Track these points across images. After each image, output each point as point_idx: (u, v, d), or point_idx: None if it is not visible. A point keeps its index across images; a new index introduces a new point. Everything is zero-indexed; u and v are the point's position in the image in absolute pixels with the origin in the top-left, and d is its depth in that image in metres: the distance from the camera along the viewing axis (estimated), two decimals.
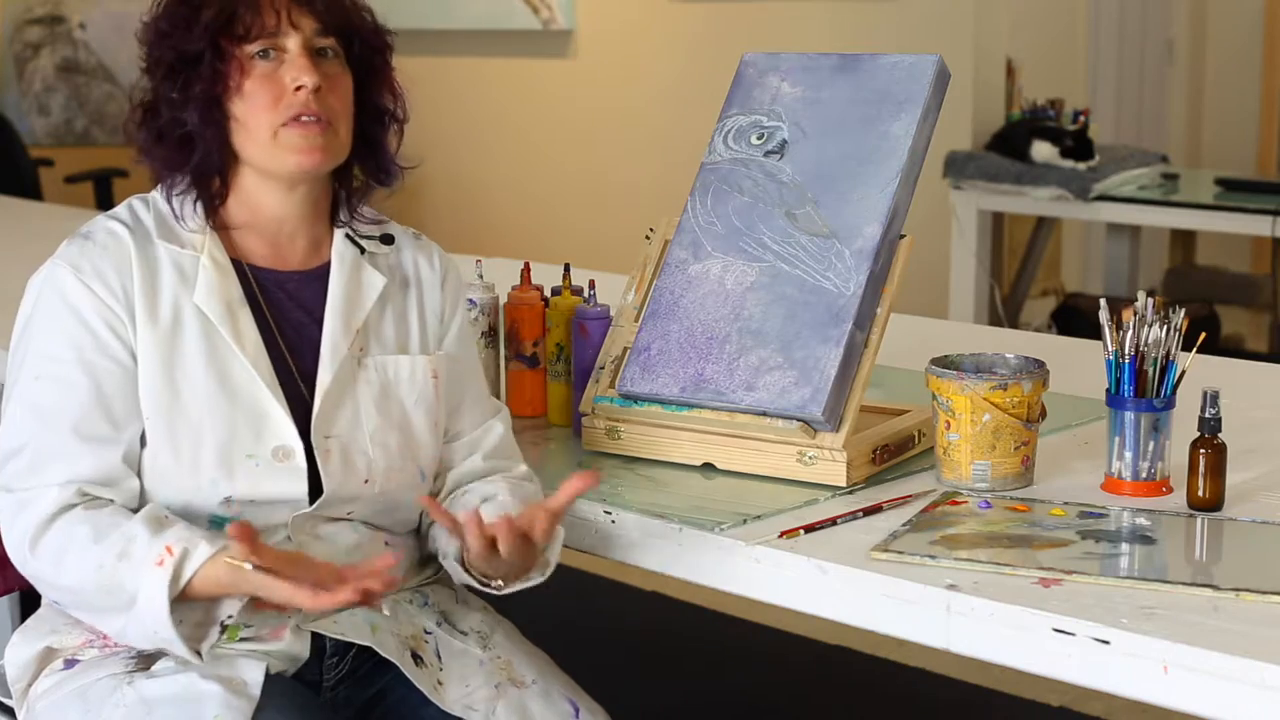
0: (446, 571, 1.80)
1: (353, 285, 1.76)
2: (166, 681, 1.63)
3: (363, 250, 1.79)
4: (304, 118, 1.68)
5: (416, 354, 1.80)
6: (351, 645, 1.73)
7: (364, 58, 1.76)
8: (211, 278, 1.69)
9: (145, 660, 1.67)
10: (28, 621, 1.78)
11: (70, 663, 1.70)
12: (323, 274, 1.77)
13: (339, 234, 1.79)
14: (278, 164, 1.70)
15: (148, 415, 1.64)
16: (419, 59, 6.59)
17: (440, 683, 1.73)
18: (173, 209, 1.73)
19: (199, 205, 1.72)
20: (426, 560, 1.85)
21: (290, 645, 1.69)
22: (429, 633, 1.77)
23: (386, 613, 1.73)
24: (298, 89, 1.67)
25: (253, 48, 1.68)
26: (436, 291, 1.84)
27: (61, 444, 1.63)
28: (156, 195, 1.75)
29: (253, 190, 1.73)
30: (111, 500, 1.64)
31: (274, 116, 1.68)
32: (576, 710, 1.78)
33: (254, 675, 1.64)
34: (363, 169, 1.80)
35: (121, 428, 1.64)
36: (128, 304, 1.66)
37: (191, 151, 1.69)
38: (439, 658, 1.75)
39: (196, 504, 1.65)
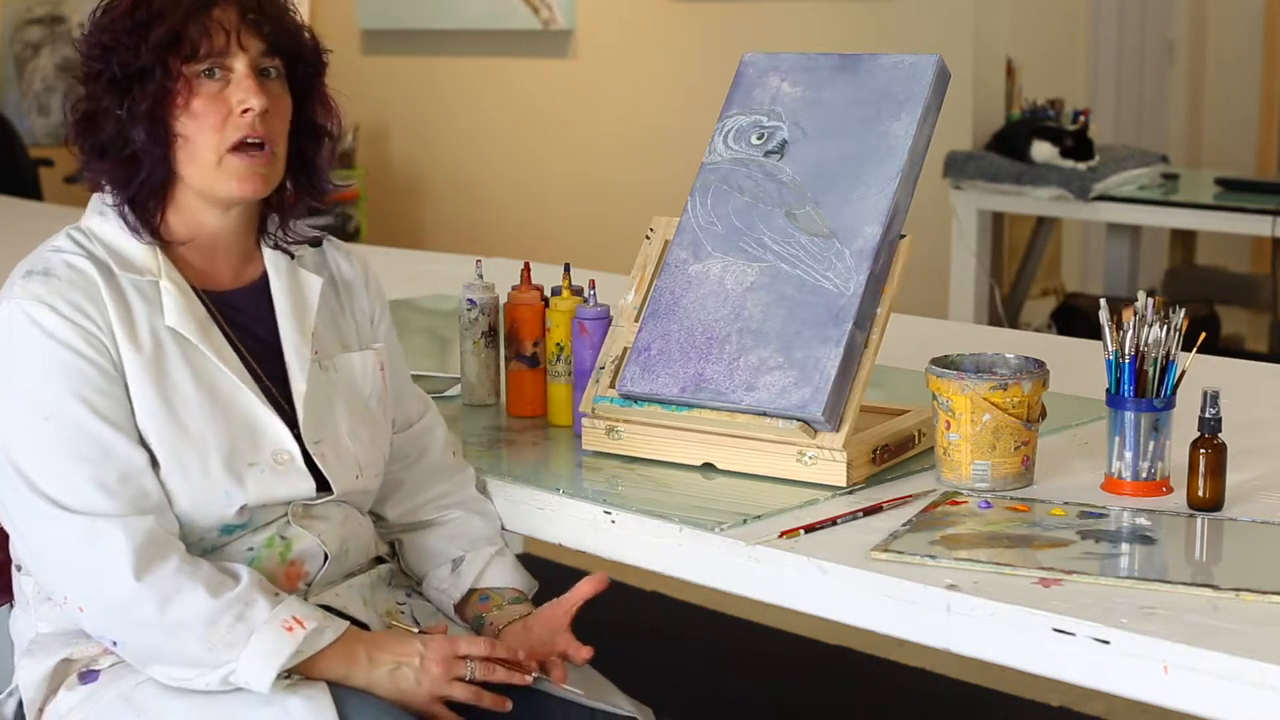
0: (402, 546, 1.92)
1: (294, 291, 1.79)
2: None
3: (292, 255, 1.81)
4: (249, 140, 1.67)
5: (361, 349, 1.84)
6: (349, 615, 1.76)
7: (305, 78, 1.75)
8: (177, 300, 1.68)
9: None
10: (31, 645, 1.74)
11: (87, 675, 1.69)
12: (260, 287, 1.78)
13: (268, 245, 1.80)
14: (219, 188, 1.69)
15: (151, 440, 1.64)
16: (419, 59, 6.59)
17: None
18: (127, 221, 1.70)
19: (140, 223, 1.70)
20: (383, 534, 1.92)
21: None
22: (402, 604, 1.84)
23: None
24: (244, 111, 1.66)
25: (199, 66, 1.66)
26: (362, 291, 1.88)
27: (96, 478, 1.60)
28: (93, 224, 1.71)
29: (193, 209, 1.72)
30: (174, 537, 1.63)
31: (220, 138, 1.66)
32: None
33: None
34: (295, 186, 1.78)
35: (140, 452, 1.63)
36: (110, 334, 1.64)
37: (136, 169, 1.67)
38: (416, 624, 1.80)
39: (211, 517, 1.66)
